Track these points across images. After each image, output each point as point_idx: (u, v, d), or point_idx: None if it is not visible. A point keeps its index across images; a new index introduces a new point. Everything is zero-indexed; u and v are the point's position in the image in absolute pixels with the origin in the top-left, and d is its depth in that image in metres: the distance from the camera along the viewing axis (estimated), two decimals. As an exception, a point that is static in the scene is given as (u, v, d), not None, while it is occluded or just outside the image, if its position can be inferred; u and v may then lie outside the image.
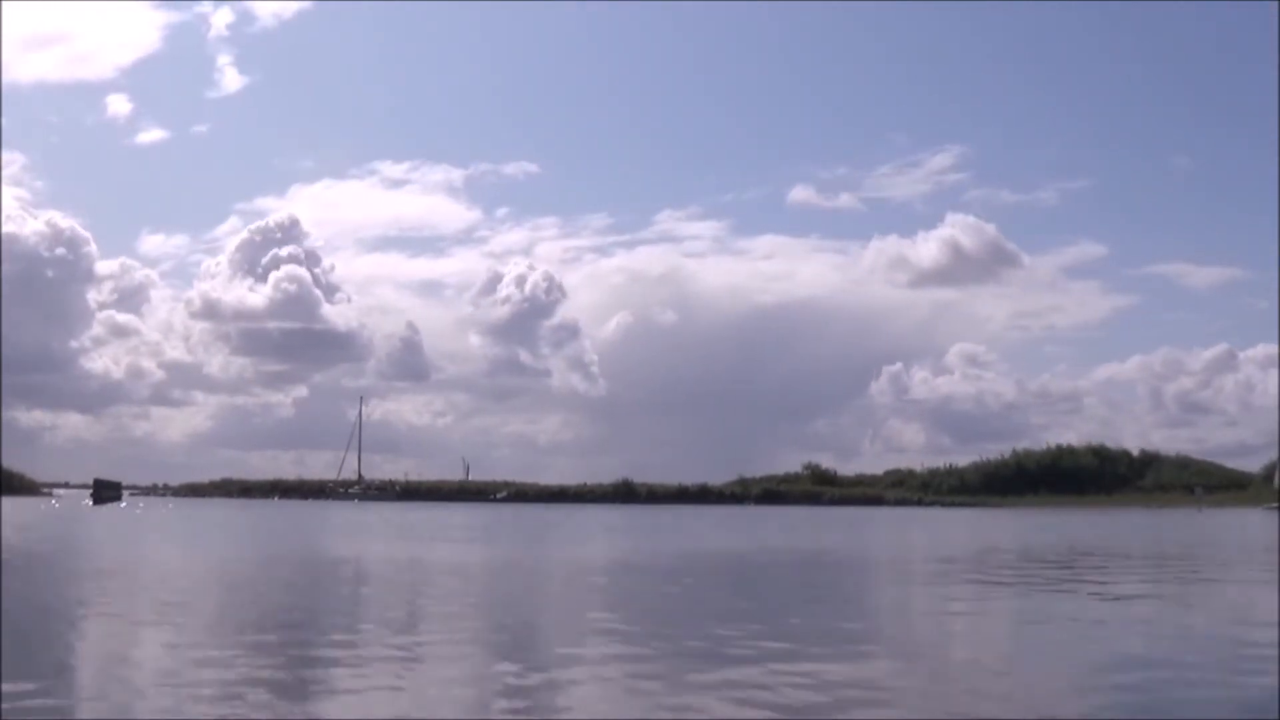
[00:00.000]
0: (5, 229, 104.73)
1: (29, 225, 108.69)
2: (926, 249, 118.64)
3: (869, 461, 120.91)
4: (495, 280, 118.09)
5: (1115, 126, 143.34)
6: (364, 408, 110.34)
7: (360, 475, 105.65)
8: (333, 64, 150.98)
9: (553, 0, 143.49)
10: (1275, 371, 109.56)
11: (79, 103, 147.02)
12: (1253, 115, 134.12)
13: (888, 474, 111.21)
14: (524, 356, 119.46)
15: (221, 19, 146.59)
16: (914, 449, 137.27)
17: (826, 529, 40.22)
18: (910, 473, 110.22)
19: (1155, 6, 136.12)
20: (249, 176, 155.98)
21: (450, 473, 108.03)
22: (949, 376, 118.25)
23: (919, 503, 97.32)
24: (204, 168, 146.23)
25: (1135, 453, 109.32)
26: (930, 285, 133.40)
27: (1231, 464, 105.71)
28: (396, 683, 7.37)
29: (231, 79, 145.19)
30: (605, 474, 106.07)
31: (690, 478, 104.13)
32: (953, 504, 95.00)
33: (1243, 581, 17.60)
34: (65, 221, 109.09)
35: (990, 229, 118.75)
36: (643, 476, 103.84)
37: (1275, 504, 75.96)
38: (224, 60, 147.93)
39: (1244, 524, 47.74)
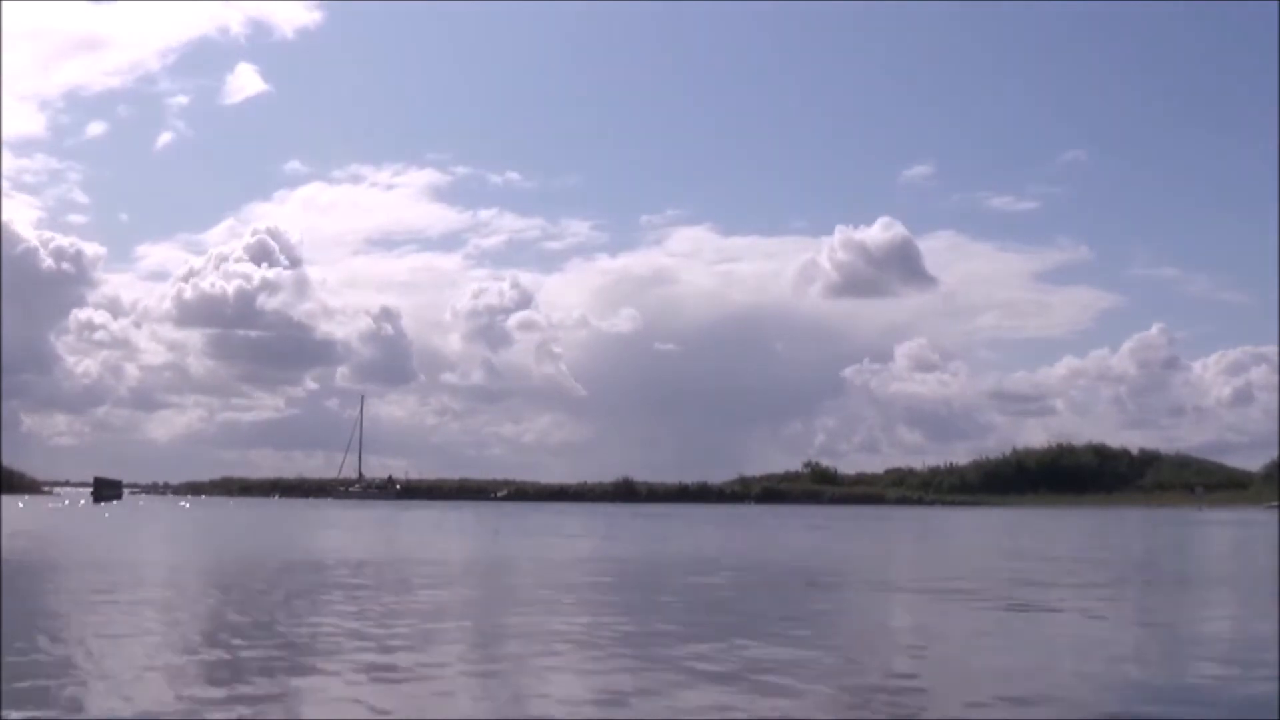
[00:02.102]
0: (7, 233, 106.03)
1: (30, 233, 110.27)
2: (833, 258, 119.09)
3: (848, 461, 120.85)
4: (481, 283, 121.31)
5: (1105, 129, 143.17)
6: (376, 410, 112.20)
7: (361, 474, 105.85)
8: (323, 72, 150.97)
9: (546, 2, 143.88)
10: (1217, 370, 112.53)
11: (94, 110, 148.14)
12: (1250, 117, 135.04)
13: (888, 473, 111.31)
14: (510, 358, 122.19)
15: (240, 29, 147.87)
16: (884, 448, 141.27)
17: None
18: (911, 471, 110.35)
19: (1149, 6, 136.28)
20: (240, 182, 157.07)
21: (444, 472, 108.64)
22: (909, 378, 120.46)
23: (920, 501, 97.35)
24: (202, 174, 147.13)
25: (1135, 452, 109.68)
26: (846, 295, 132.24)
27: (1225, 463, 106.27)
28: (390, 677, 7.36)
29: (238, 87, 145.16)
30: (588, 474, 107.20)
31: (667, 477, 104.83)
32: (953, 503, 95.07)
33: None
34: (68, 235, 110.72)
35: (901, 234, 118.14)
36: (616, 475, 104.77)
37: (1276, 503, 75.97)
38: (240, 68, 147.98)
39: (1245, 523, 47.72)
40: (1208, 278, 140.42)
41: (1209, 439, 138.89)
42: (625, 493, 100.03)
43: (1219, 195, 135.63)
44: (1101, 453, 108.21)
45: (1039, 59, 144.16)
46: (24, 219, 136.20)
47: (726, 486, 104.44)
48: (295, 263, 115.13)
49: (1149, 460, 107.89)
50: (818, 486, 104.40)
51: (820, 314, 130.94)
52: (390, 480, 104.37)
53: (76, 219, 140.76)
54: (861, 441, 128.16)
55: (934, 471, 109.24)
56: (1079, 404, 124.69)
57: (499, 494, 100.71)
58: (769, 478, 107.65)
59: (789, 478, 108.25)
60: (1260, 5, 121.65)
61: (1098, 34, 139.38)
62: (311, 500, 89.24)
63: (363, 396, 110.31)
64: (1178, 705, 6.93)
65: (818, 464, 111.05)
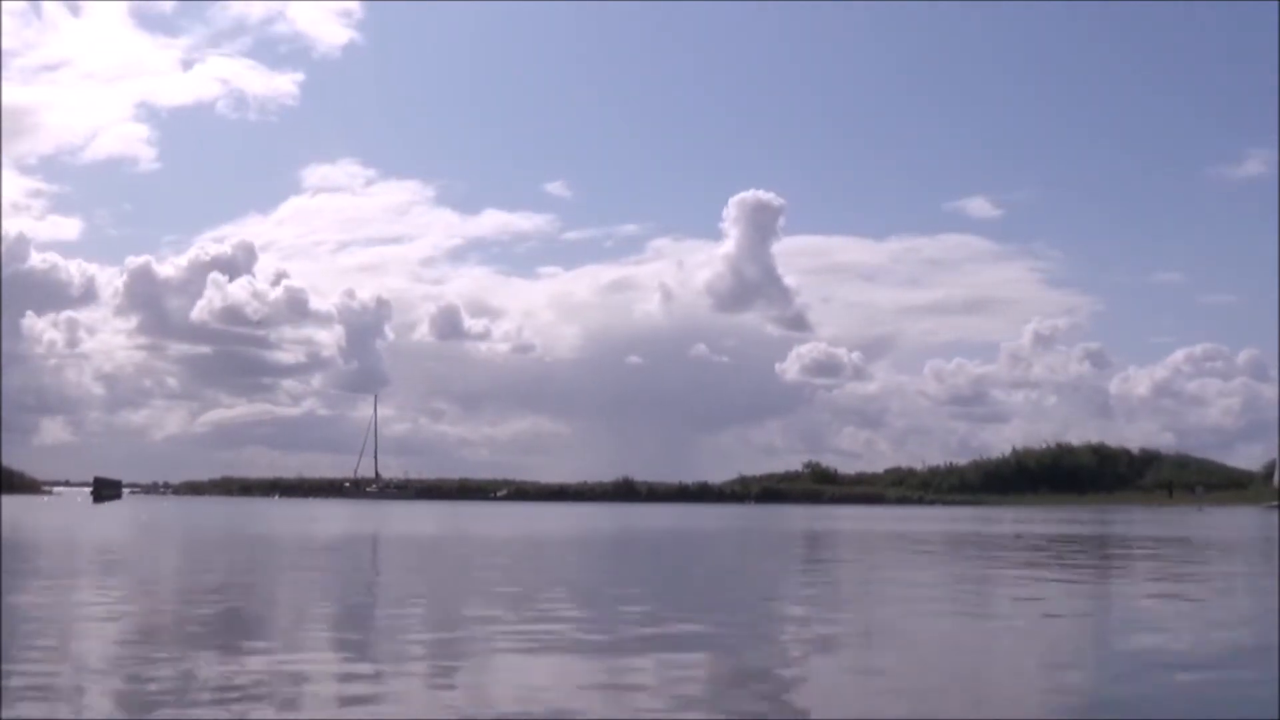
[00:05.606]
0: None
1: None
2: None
3: (845, 461, 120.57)
4: (458, 287, 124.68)
5: (1086, 131, 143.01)
6: (354, 412, 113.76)
7: (378, 474, 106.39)
8: (318, 81, 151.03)
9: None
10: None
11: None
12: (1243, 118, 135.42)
13: (888, 472, 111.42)
14: (488, 362, 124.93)
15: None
16: (856, 451, 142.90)
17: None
18: (911, 471, 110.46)
19: (1143, 6, 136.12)
20: (228, 194, 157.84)
21: (431, 472, 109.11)
22: (864, 381, 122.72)
23: (920, 501, 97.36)
24: (197, 185, 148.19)
25: (1135, 451, 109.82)
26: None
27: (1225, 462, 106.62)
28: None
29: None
30: (568, 475, 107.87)
31: (641, 478, 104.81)
32: (953, 502, 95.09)
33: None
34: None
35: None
36: (593, 475, 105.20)
37: (1275, 503, 76.00)
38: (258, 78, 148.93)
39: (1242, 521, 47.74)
40: (1193, 280, 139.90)
41: (1189, 438, 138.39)
42: (625, 492, 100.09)
43: (1211, 197, 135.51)
44: (1101, 452, 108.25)
45: (1027, 59, 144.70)
46: (38, 231, 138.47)
47: (726, 486, 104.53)
48: (280, 271, 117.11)
49: (1149, 460, 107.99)
50: (817, 486, 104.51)
51: (756, 323, 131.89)
52: (408, 480, 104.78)
53: (108, 233, 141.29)
54: (820, 443, 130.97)
55: (934, 471, 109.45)
56: (1033, 403, 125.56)
57: (499, 494, 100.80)
58: (769, 478, 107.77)
59: (789, 478, 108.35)
60: (1261, 5, 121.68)
61: (1092, 36, 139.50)
62: (334, 499, 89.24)
63: (375, 397, 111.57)
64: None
65: (817, 464, 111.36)
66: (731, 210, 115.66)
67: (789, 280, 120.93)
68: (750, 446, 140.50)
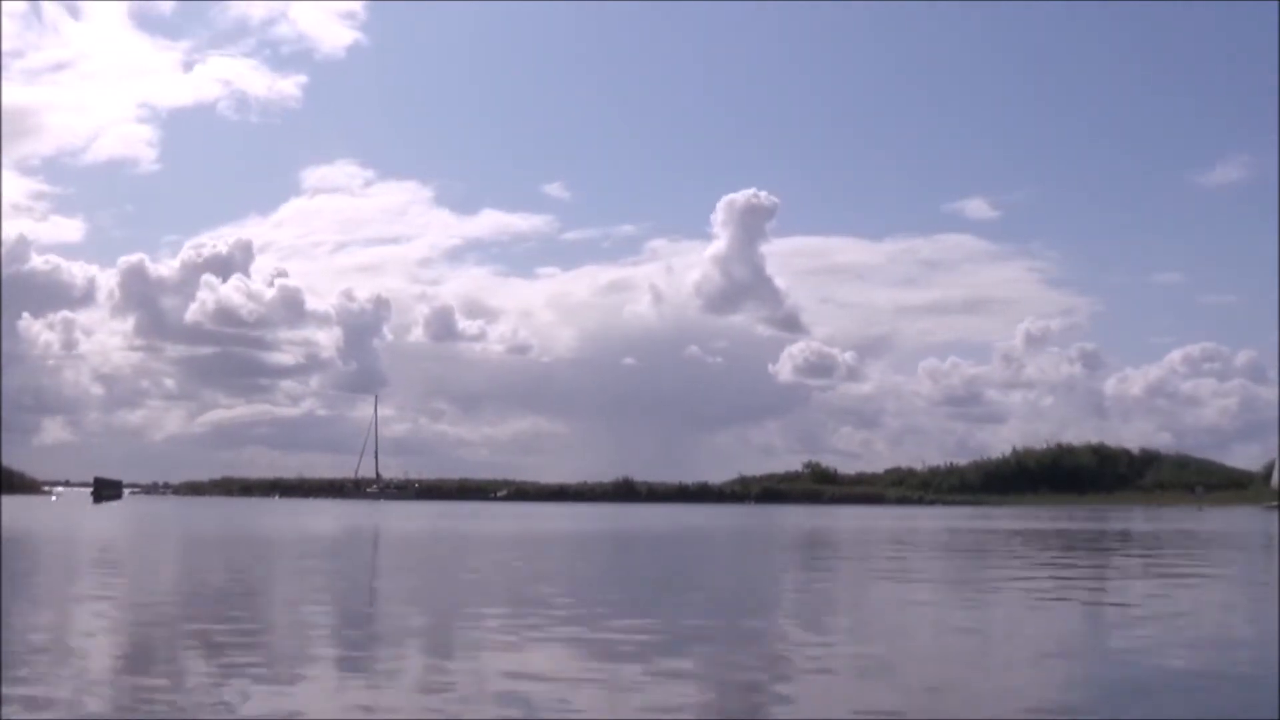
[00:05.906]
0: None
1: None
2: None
3: (845, 462, 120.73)
4: (453, 289, 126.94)
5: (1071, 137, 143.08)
6: (352, 412, 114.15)
7: (378, 474, 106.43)
8: (319, 84, 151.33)
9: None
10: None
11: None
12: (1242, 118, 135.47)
13: (888, 473, 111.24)
14: (484, 363, 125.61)
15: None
16: (854, 451, 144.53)
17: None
18: (911, 471, 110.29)
19: (1142, 6, 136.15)
20: (224, 196, 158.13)
21: (429, 473, 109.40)
22: (858, 382, 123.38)
23: (920, 501, 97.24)
24: (198, 187, 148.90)
25: (1135, 451, 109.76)
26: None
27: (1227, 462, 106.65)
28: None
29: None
30: (563, 475, 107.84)
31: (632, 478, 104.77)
32: (953, 502, 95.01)
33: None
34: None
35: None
36: (594, 477, 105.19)
37: (1274, 503, 75.94)
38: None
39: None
40: (1192, 280, 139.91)
41: (1185, 438, 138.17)
42: (625, 492, 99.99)
43: (1210, 198, 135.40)
44: (1101, 453, 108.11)
45: (1025, 60, 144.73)
46: (40, 232, 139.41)
47: (726, 487, 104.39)
48: (274, 271, 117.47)
49: (1149, 460, 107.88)
50: (818, 486, 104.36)
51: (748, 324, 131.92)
52: (409, 480, 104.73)
53: (110, 234, 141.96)
54: (818, 443, 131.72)
55: (934, 471, 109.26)
56: (1030, 404, 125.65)
57: (499, 494, 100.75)
58: (769, 478, 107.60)
59: (789, 478, 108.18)
60: (1260, 5, 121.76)
61: (1091, 37, 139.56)
62: (335, 500, 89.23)
63: (376, 397, 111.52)
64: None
65: (817, 464, 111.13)
66: (720, 212, 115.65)
67: (780, 281, 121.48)
68: (749, 447, 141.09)
